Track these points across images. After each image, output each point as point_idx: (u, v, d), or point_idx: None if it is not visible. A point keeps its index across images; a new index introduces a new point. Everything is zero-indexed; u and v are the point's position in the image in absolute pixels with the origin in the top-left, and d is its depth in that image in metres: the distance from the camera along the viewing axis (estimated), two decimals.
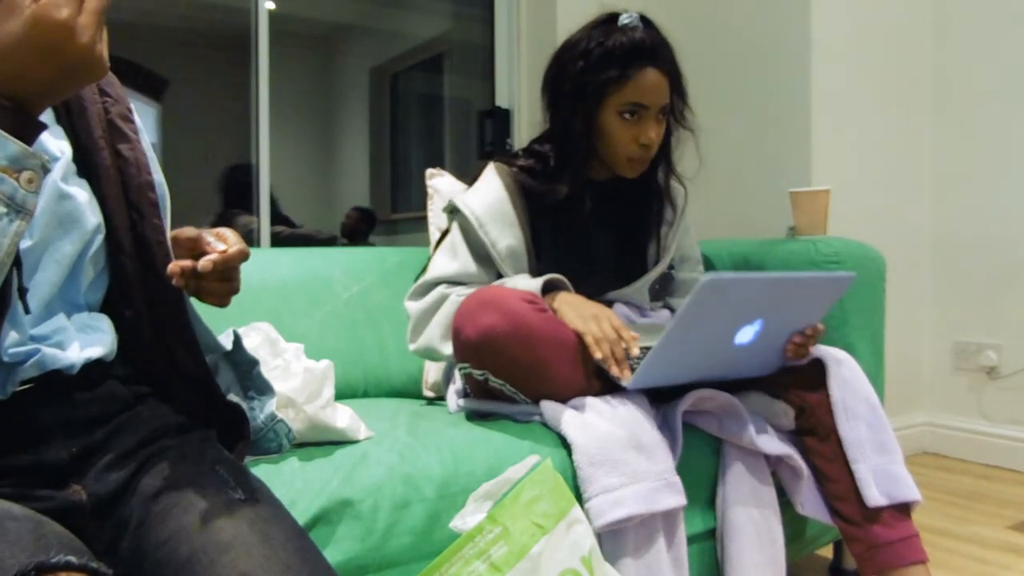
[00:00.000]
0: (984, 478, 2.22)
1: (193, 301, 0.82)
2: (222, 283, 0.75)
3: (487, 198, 1.37)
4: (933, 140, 2.46)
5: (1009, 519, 1.87)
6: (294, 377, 1.01)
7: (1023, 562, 1.62)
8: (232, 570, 0.60)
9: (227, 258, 0.72)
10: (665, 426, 1.16)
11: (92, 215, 0.75)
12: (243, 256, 0.74)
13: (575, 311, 1.19)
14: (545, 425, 1.13)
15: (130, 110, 0.81)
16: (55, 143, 0.74)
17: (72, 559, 0.53)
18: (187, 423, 0.81)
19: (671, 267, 1.53)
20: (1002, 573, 1.57)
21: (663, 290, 1.52)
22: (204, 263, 0.70)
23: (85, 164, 0.77)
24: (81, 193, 0.74)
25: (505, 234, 1.35)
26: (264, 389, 0.92)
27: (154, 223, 0.77)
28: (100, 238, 0.76)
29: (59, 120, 0.78)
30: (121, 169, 0.78)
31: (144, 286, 0.78)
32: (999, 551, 1.68)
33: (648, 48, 1.33)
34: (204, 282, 0.73)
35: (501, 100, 2.67)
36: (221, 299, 0.77)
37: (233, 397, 0.86)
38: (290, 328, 1.51)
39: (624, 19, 1.35)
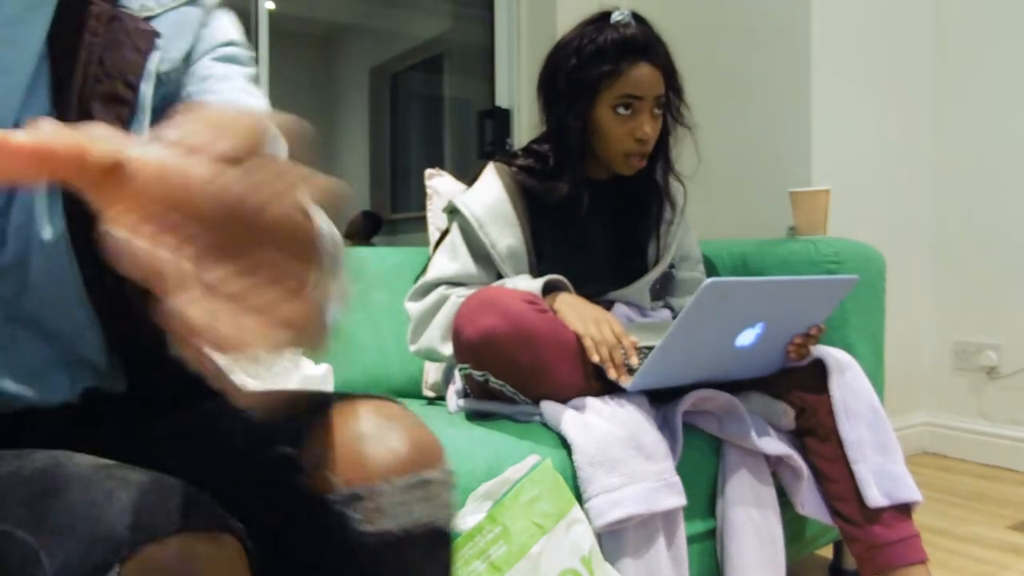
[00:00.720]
0: (984, 478, 2.22)
1: None
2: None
3: (487, 198, 1.37)
4: (933, 140, 2.46)
5: (1009, 519, 1.87)
6: (291, 384, 1.01)
7: (1023, 562, 1.62)
8: None
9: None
10: (665, 426, 1.16)
11: (48, 227, 0.60)
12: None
13: (575, 312, 1.18)
14: (545, 425, 1.13)
15: (131, 84, 0.63)
16: None
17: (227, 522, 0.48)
18: None
19: (671, 266, 1.53)
20: (1002, 573, 1.57)
21: (663, 290, 1.52)
22: None
23: None
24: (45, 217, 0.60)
25: (505, 234, 1.35)
26: None
27: None
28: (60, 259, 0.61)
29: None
30: None
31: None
32: (999, 551, 1.68)
33: (641, 43, 1.33)
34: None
35: (501, 100, 2.67)
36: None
37: None
38: None
39: (616, 16, 1.35)
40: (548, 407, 1.13)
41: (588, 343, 1.13)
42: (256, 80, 0.74)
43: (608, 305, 1.39)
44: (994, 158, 2.33)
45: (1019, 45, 2.27)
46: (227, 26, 0.73)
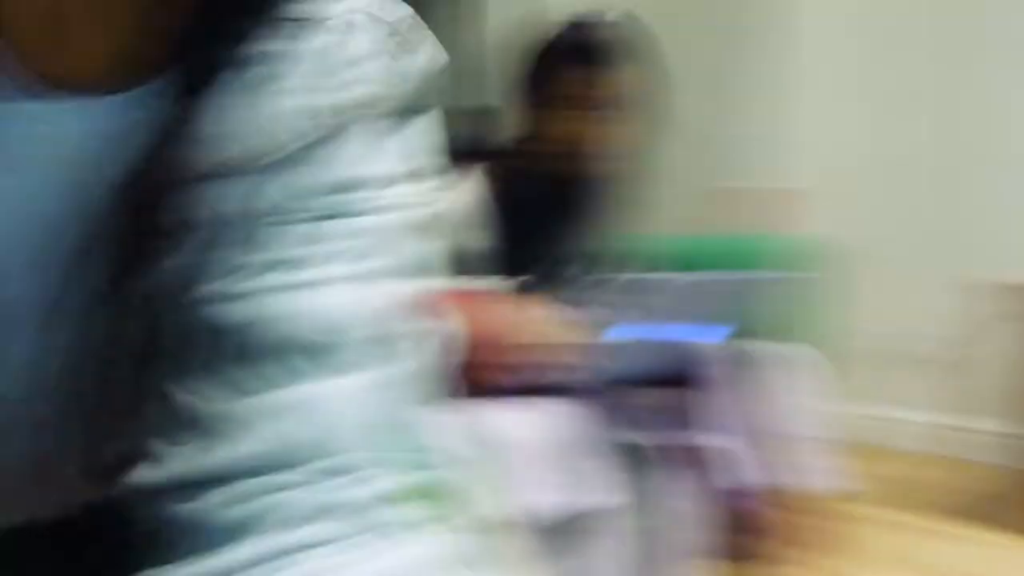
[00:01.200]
0: (915, 466, 2.23)
1: None
2: None
3: (458, 198, 1.37)
4: (934, 142, 2.42)
5: (937, 506, 1.91)
6: None
7: (951, 547, 1.67)
8: None
9: None
10: (600, 425, 1.18)
11: None
12: None
13: (523, 311, 1.20)
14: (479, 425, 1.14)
15: None
16: None
17: None
18: None
19: (632, 269, 1.53)
20: (928, 559, 1.62)
21: (627, 287, 1.53)
22: None
23: None
24: None
25: (475, 235, 1.35)
26: None
27: None
28: None
29: None
30: None
31: None
32: (924, 537, 1.73)
33: (620, 45, 1.32)
34: None
35: (486, 100, 2.63)
36: None
37: None
38: None
39: (596, 17, 1.35)
40: (482, 406, 1.14)
41: (528, 341, 1.15)
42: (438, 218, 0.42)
43: (573, 304, 1.39)
44: (994, 159, 2.30)
45: (1015, 44, 2.24)
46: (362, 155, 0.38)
